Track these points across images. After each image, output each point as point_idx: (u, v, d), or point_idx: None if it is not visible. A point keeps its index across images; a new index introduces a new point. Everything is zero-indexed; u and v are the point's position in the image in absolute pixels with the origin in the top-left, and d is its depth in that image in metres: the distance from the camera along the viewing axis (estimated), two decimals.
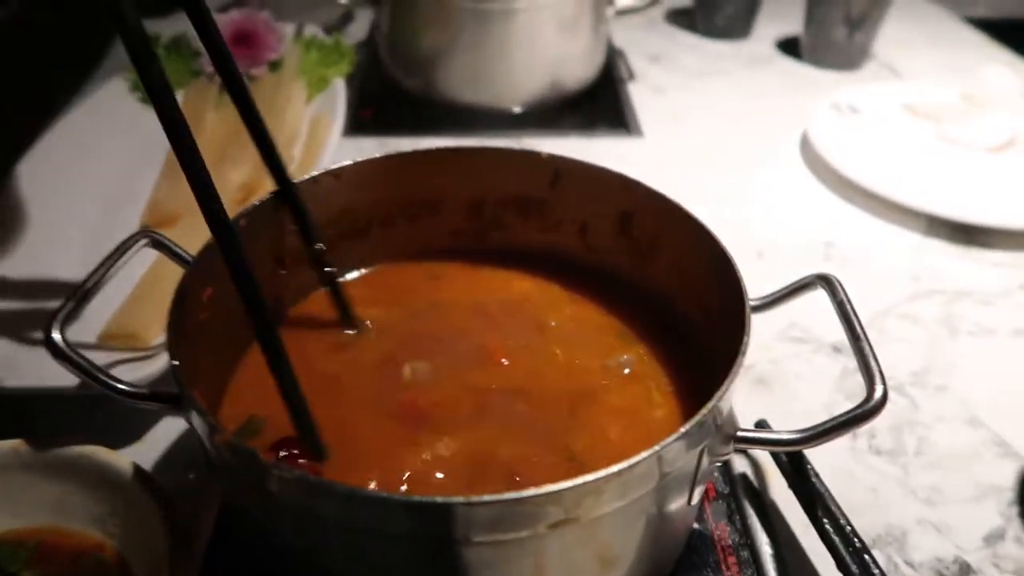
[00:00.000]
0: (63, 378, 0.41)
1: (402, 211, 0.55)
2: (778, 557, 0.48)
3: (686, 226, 0.48)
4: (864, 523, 0.50)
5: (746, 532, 0.49)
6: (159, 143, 0.77)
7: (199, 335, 0.42)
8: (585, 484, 0.31)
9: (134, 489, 0.41)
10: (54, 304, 0.57)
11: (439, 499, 0.30)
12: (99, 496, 0.42)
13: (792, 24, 1.18)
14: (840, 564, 0.44)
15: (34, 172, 0.72)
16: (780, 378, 0.61)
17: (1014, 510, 0.52)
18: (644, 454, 0.33)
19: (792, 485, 0.49)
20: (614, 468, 0.32)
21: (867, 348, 0.41)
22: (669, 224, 0.50)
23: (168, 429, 0.53)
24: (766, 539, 0.49)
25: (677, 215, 0.49)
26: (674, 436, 0.34)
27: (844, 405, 0.59)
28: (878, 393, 0.39)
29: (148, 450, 0.52)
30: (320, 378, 0.46)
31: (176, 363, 0.36)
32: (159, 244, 0.48)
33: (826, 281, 0.46)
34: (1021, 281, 0.72)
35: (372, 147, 0.89)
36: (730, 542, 0.49)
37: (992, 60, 1.11)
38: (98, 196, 0.73)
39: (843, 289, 0.45)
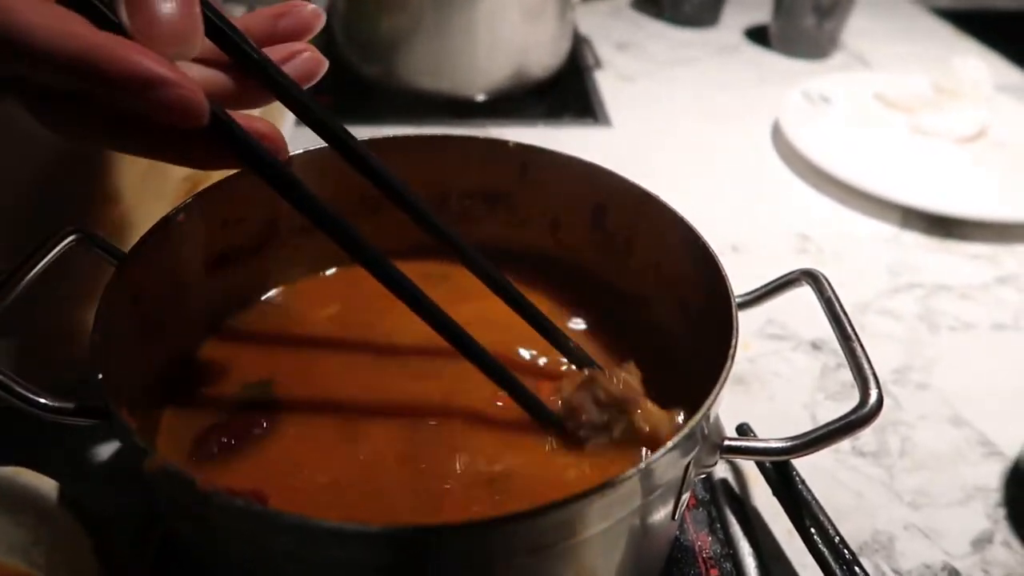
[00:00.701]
0: None
1: (360, 204, 0.51)
2: (762, 568, 0.45)
3: (664, 220, 0.45)
4: (850, 529, 0.48)
5: (728, 542, 0.47)
6: None
7: (130, 342, 0.38)
8: (566, 508, 0.28)
9: (61, 515, 0.36)
10: None
11: (406, 528, 0.27)
12: (22, 522, 0.37)
13: (760, 12, 1.16)
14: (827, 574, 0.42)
15: None
16: (758, 377, 0.59)
17: (1001, 512, 0.50)
18: (631, 471, 0.30)
19: (777, 492, 0.46)
20: (596, 489, 0.29)
21: (859, 349, 0.39)
22: (646, 218, 0.47)
23: (102, 447, 0.49)
24: (749, 549, 0.46)
25: (654, 208, 0.46)
26: (663, 450, 0.31)
27: (825, 405, 0.57)
28: (873, 398, 0.36)
29: (80, 466, 0.47)
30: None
31: (100, 376, 0.32)
32: (92, 242, 0.43)
33: (812, 277, 0.43)
34: (999, 274, 0.71)
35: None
36: (711, 553, 0.46)
37: (959, 50, 1.11)
38: (32, 188, 0.67)
39: (830, 286, 0.43)
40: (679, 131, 0.91)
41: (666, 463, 0.31)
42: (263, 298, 0.50)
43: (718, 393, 0.34)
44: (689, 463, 0.34)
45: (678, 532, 0.47)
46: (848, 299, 0.66)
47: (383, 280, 0.37)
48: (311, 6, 0.37)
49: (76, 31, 0.27)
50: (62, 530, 0.36)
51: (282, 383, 0.43)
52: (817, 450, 0.36)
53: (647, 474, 0.31)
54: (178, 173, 0.68)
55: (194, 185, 0.67)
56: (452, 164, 0.51)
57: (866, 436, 0.55)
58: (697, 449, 0.34)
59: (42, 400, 0.35)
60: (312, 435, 0.40)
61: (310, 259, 0.52)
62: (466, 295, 0.50)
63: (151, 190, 0.66)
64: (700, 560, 0.46)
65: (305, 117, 0.39)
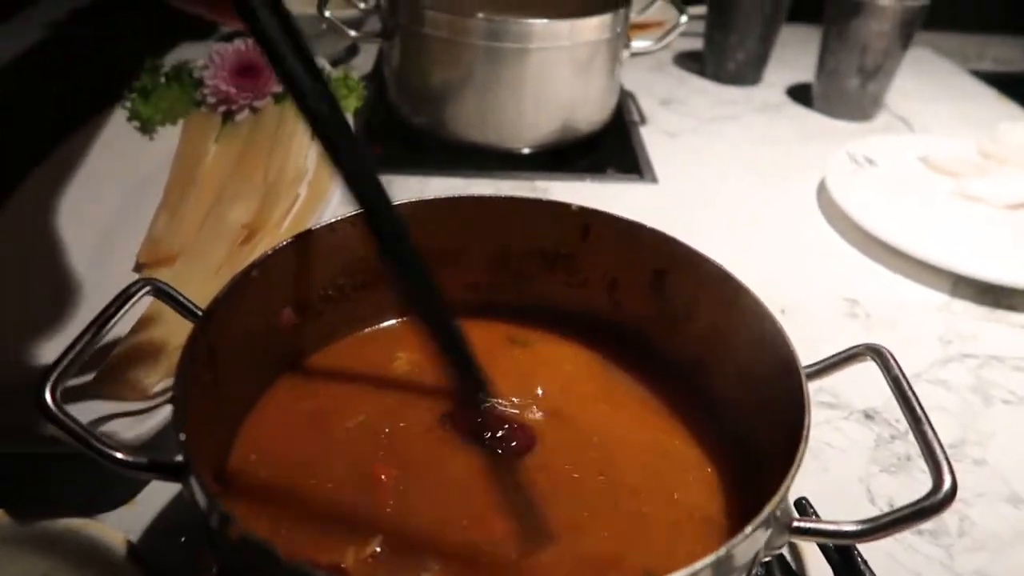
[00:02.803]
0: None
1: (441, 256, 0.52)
2: None
3: (726, 288, 0.45)
4: None
5: None
6: (157, 175, 0.76)
7: (203, 399, 0.38)
8: None
9: (126, 569, 0.37)
10: (43, 354, 0.53)
11: None
12: (88, 574, 0.38)
13: (803, 72, 1.17)
14: None
15: (26, 206, 0.68)
16: (811, 448, 0.57)
17: None
18: (705, 561, 0.29)
19: (839, 574, 0.45)
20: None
21: (930, 433, 0.38)
22: (707, 286, 0.47)
23: (164, 488, 0.49)
24: None
25: (716, 276, 0.46)
26: (739, 538, 0.30)
27: (880, 478, 0.56)
28: (947, 484, 0.36)
29: (142, 512, 0.47)
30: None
31: (183, 438, 0.32)
32: (162, 293, 0.44)
33: (877, 353, 0.43)
34: None
35: None
36: None
37: (1003, 114, 1.11)
38: (94, 231, 0.69)
39: (897, 363, 0.42)
40: (724, 187, 0.91)
41: (742, 549, 0.31)
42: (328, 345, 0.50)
43: (794, 476, 0.34)
44: (760, 548, 0.34)
45: None
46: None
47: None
48: None
49: None
50: None
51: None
52: (888, 535, 0.36)
53: (724, 560, 0.30)
54: (236, 220, 0.70)
55: (252, 232, 0.69)
56: (514, 224, 0.52)
57: None
58: (769, 533, 0.34)
59: (117, 454, 0.35)
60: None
61: (373, 314, 0.52)
62: (545, 361, 0.51)
63: (209, 236, 0.68)
64: None
65: None
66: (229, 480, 0.41)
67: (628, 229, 0.49)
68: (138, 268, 0.65)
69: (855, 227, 0.82)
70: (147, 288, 0.44)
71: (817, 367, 0.44)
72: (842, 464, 0.57)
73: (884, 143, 0.97)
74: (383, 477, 0.41)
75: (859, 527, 0.35)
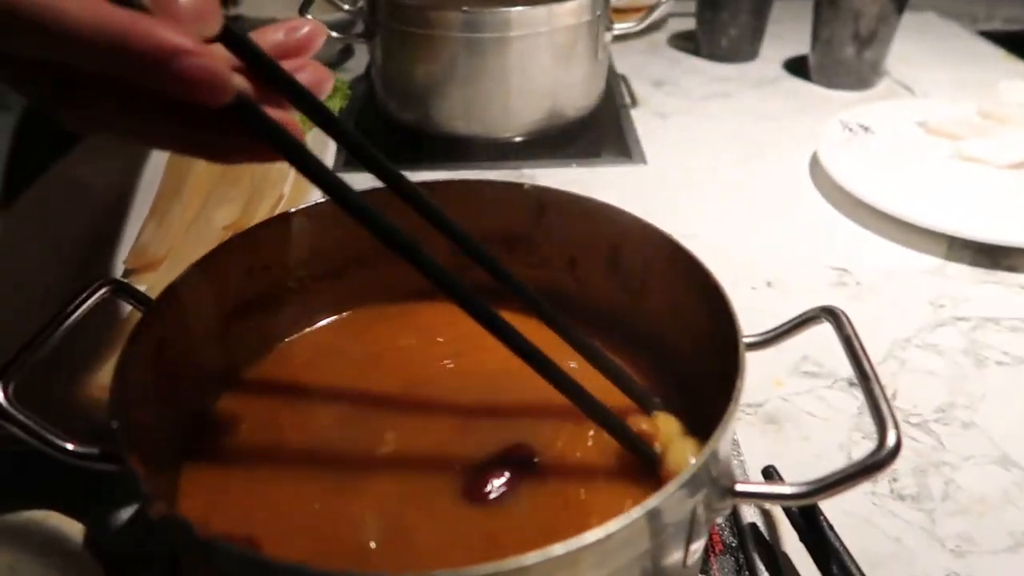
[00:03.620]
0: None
1: (378, 250, 0.52)
2: None
3: (676, 258, 0.45)
4: None
5: None
6: (149, 185, 0.78)
7: (154, 390, 0.39)
8: (555, 558, 0.28)
9: (85, 559, 0.38)
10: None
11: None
12: (50, 563, 0.39)
13: (799, 45, 1.15)
14: None
15: (27, 212, 0.71)
16: (792, 417, 0.57)
17: None
18: (624, 518, 0.29)
19: (803, 538, 0.45)
20: (589, 537, 0.28)
21: (877, 389, 0.38)
22: (658, 256, 0.46)
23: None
24: None
25: (666, 246, 0.45)
26: (660, 496, 0.30)
27: (863, 445, 0.55)
28: (890, 440, 0.35)
29: (106, 511, 0.48)
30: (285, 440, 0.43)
31: (115, 424, 0.33)
32: (123, 291, 0.46)
33: (831, 314, 0.42)
34: None
35: (366, 182, 0.85)
36: None
37: (1008, 74, 1.07)
38: (85, 239, 0.71)
39: (850, 323, 0.42)
40: (714, 166, 0.90)
41: (666, 508, 0.31)
42: (285, 341, 0.51)
43: (720, 434, 0.33)
44: (695, 507, 0.34)
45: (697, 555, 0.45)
46: (889, 333, 0.65)
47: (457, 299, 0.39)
48: (310, 22, 0.38)
49: (99, 9, 0.27)
50: (86, 573, 0.38)
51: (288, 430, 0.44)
52: (834, 495, 0.35)
53: (647, 519, 0.30)
54: (219, 222, 0.71)
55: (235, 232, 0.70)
56: (469, 208, 0.52)
57: (905, 478, 0.52)
58: (704, 492, 0.33)
59: (68, 446, 0.36)
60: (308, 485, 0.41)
61: (334, 304, 0.53)
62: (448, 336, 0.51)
63: (193, 239, 0.69)
64: None
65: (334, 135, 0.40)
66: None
67: (581, 205, 0.49)
68: (125, 274, 0.67)
69: (847, 196, 0.80)
70: (106, 288, 0.45)
71: (771, 334, 0.44)
72: (824, 432, 0.56)
73: (881, 110, 0.95)
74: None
75: (804, 488, 0.35)
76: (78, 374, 0.52)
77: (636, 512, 0.29)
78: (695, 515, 0.34)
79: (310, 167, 0.33)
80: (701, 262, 0.43)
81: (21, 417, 0.37)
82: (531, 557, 0.27)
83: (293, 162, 0.33)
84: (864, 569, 0.44)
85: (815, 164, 0.88)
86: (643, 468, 0.40)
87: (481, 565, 0.27)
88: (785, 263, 0.73)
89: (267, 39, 0.36)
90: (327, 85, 0.39)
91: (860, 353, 0.40)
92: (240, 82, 0.31)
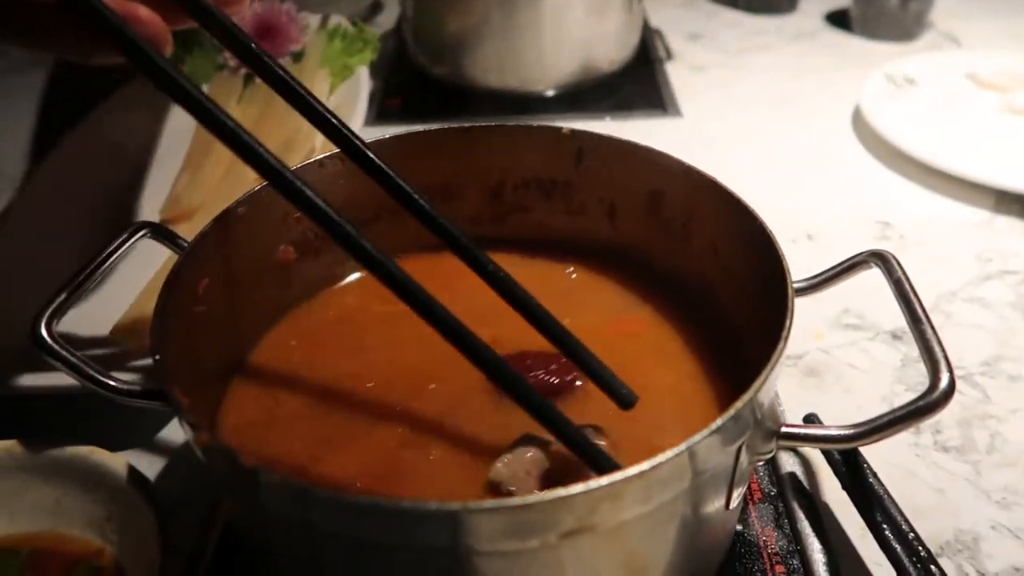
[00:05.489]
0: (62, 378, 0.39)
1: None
2: (831, 566, 0.43)
3: (721, 202, 0.44)
4: (930, 528, 0.45)
5: (796, 538, 0.44)
6: (183, 138, 0.78)
7: (194, 329, 0.40)
8: (600, 488, 0.27)
9: (130, 493, 0.38)
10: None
11: (434, 505, 0.27)
12: (96, 499, 0.40)
13: None
14: (902, 575, 0.39)
15: (57, 169, 0.71)
16: (833, 369, 0.56)
17: None
18: (669, 453, 0.29)
19: (846, 486, 0.44)
20: (633, 469, 0.28)
21: (929, 331, 0.36)
22: (703, 201, 0.45)
23: (175, 432, 0.51)
24: (818, 546, 0.44)
25: (711, 190, 0.44)
26: (705, 431, 0.30)
27: (906, 397, 0.53)
28: (943, 382, 0.34)
29: (154, 455, 0.49)
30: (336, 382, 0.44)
31: (158, 357, 0.33)
32: (160, 234, 0.46)
33: (880, 258, 0.41)
34: None
35: (397, 133, 0.86)
36: (777, 549, 0.44)
37: None
38: (119, 192, 0.71)
39: (900, 266, 0.40)
40: (753, 120, 0.88)
41: (709, 446, 0.30)
42: (330, 288, 0.51)
43: (768, 375, 0.33)
44: (740, 448, 0.33)
45: (742, 526, 0.45)
46: (934, 287, 0.63)
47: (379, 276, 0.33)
48: None
49: None
50: (131, 508, 0.38)
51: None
52: (883, 438, 0.34)
53: (690, 456, 0.30)
54: (252, 175, 0.71)
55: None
56: (506, 153, 0.51)
57: (950, 430, 0.51)
58: (748, 434, 0.33)
59: (111, 382, 0.37)
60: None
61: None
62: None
63: (226, 191, 0.69)
64: (765, 556, 0.44)
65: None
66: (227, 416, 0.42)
67: (622, 149, 0.48)
68: (162, 223, 0.67)
69: (891, 149, 0.78)
70: (145, 231, 0.45)
71: (819, 278, 0.43)
72: (866, 385, 0.55)
73: (927, 62, 0.92)
74: None
75: (851, 430, 0.34)
76: (112, 314, 0.53)
77: (678, 448, 0.29)
78: (739, 456, 0.33)
79: (157, 71, 0.29)
80: (747, 204, 0.42)
81: (65, 353, 0.37)
82: (575, 488, 0.27)
83: (137, 65, 0.29)
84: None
85: (857, 117, 0.86)
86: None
87: (526, 496, 0.27)
88: (826, 216, 0.72)
89: None
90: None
91: (911, 296, 0.38)
92: None
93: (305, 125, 0.77)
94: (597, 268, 0.52)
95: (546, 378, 0.42)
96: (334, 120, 0.39)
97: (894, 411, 0.34)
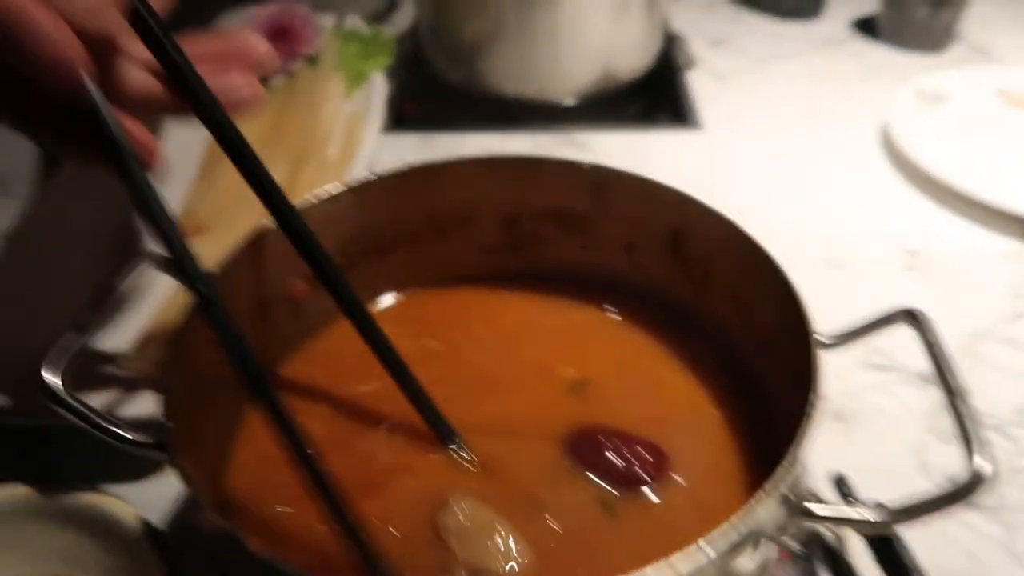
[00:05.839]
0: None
1: (430, 227, 0.50)
2: None
3: (745, 250, 0.42)
4: None
5: None
6: (195, 150, 0.76)
7: (205, 376, 0.38)
8: None
9: (141, 546, 0.37)
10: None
11: None
12: (108, 547, 0.39)
13: (868, 2, 1.08)
14: None
15: (69, 178, 0.70)
16: (860, 414, 0.54)
17: None
18: (684, 556, 0.27)
19: (877, 555, 0.42)
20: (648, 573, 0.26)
21: (964, 409, 0.35)
22: (725, 246, 0.43)
23: None
24: None
25: (733, 236, 0.42)
26: (715, 535, 0.28)
27: (937, 449, 0.51)
28: (984, 468, 0.32)
29: (165, 491, 0.48)
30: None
31: (171, 425, 0.32)
32: (160, 264, 0.44)
33: (914, 319, 0.39)
34: None
35: (413, 143, 0.84)
36: None
37: None
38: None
39: (932, 328, 0.38)
40: (775, 133, 0.85)
41: (720, 550, 0.28)
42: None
43: (793, 459, 0.31)
44: (757, 540, 0.31)
45: None
46: (962, 326, 0.61)
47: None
48: (266, 46, 0.36)
49: None
50: (143, 562, 0.37)
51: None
52: (918, 522, 0.33)
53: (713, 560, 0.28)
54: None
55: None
56: (524, 185, 0.49)
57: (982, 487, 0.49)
58: (768, 523, 0.31)
59: (123, 433, 0.35)
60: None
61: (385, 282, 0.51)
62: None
63: (241, 199, 0.68)
64: None
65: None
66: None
67: (642, 187, 0.46)
68: None
69: (919, 172, 0.75)
70: (145, 263, 0.43)
71: (846, 336, 0.41)
72: (894, 433, 0.53)
73: (956, 77, 0.89)
74: None
75: (882, 515, 0.32)
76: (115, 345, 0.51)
77: (701, 548, 0.27)
78: (757, 546, 0.32)
79: (140, 194, 0.32)
80: (772, 257, 0.40)
81: (78, 406, 0.36)
82: None
83: (127, 186, 0.32)
84: None
85: (885, 133, 0.83)
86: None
87: None
88: (851, 241, 0.69)
89: (201, 45, 0.36)
90: (247, 96, 0.37)
91: (945, 363, 0.37)
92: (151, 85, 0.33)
93: (319, 133, 0.76)
94: (614, 302, 0.50)
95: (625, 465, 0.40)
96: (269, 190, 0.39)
97: (932, 495, 0.32)
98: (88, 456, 0.46)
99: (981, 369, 0.57)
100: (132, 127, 0.32)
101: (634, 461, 0.39)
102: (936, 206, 0.73)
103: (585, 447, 0.40)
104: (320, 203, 0.45)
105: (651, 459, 0.39)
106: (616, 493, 0.38)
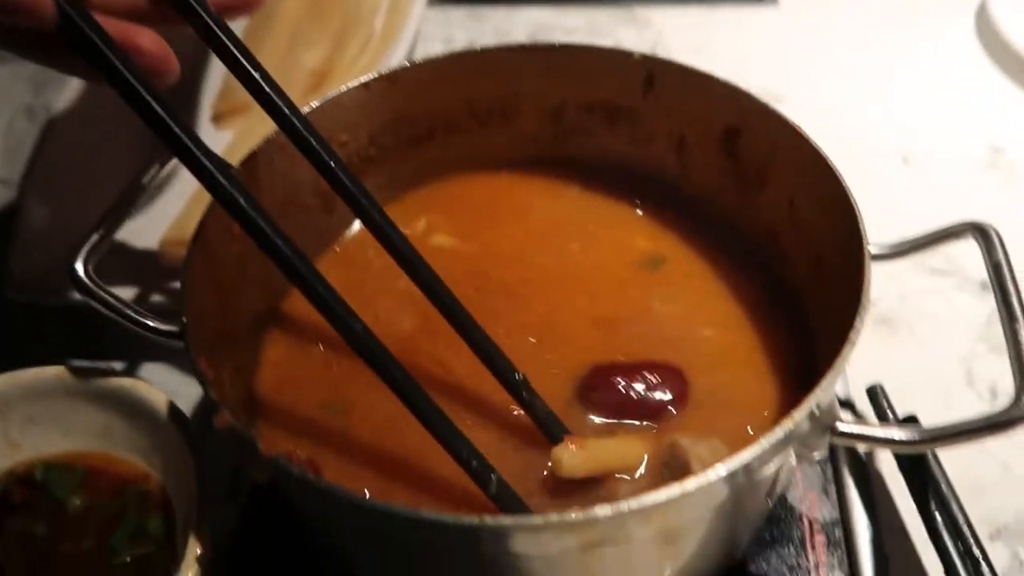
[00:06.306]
0: None
1: (470, 116, 0.48)
2: (876, 543, 0.41)
3: (802, 153, 0.39)
4: (988, 508, 0.43)
5: (842, 507, 0.43)
6: (237, 23, 0.74)
7: (229, 274, 0.38)
8: (622, 513, 0.26)
9: (170, 429, 0.39)
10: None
11: (448, 519, 0.26)
12: (141, 428, 0.41)
13: None
14: (948, 569, 0.38)
15: None
16: (910, 319, 0.52)
17: None
18: (701, 480, 0.27)
19: (901, 465, 0.42)
20: (654, 497, 0.26)
21: (1023, 334, 0.33)
22: (782, 148, 0.41)
23: None
24: (865, 519, 0.42)
25: (792, 138, 0.40)
26: (748, 455, 0.27)
27: (987, 360, 0.50)
28: None
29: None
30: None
31: (185, 320, 0.33)
32: None
33: (981, 233, 0.37)
34: None
35: (461, 18, 0.80)
36: (819, 517, 0.43)
37: None
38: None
39: (1002, 245, 0.36)
40: (857, 10, 0.78)
41: (751, 466, 0.28)
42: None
43: (833, 378, 0.30)
44: (786, 454, 0.31)
45: (784, 488, 0.43)
46: None
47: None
48: None
49: None
50: (172, 444, 0.39)
51: None
52: (949, 447, 0.32)
53: (728, 479, 0.28)
54: (308, 64, 0.68)
55: (322, 79, 0.66)
56: (570, 75, 0.46)
57: None
58: (798, 439, 0.31)
59: (150, 323, 0.37)
60: None
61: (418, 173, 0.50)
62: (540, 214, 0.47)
63: (282, 77, 0.66)
64: (805, 522, 0.42)
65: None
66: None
67: (696, 80, 0.43)
68: (215, 119, 0.66)
69: (1017, 57, 0.68)
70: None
71: (903, 247, 0.39)
72: (943, 340, 0.51)
73: None
74: None
75: (910, 436, 0.31)
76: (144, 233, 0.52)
77: (718, 472, 0.27)
78: (785, 462, 0.31)
79: (142, 106, 0.29)
80: (831, 163, 0.38)
81: (103, 294, 0.37)
82: (602, 510, 0.26)
83: (122, 94, 0.29)
84: (964, 498, 0.40)
85: (982, 17, 0.75)
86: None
87: (542, 517, 0.26)
88: (929, 135, 0.64)
89: None
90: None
91: (1010, 285, 0.34)
92: None
93: (364, 7, 0.73)
94: (657, 204, 0.48)
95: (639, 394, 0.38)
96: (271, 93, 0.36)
97: (967, 422, 0.31)
98: (129, 341, 0.47)
99: None
100: (145, 40, 0.32)
101: (648, 392, 0.38)
102: None
103: (599, 389, 0.39)
104: (352, 91, 0.43)
105: (666, 386, 0.38)
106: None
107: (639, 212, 0.47)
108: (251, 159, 0.40)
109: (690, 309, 0.42)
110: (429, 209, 0.48)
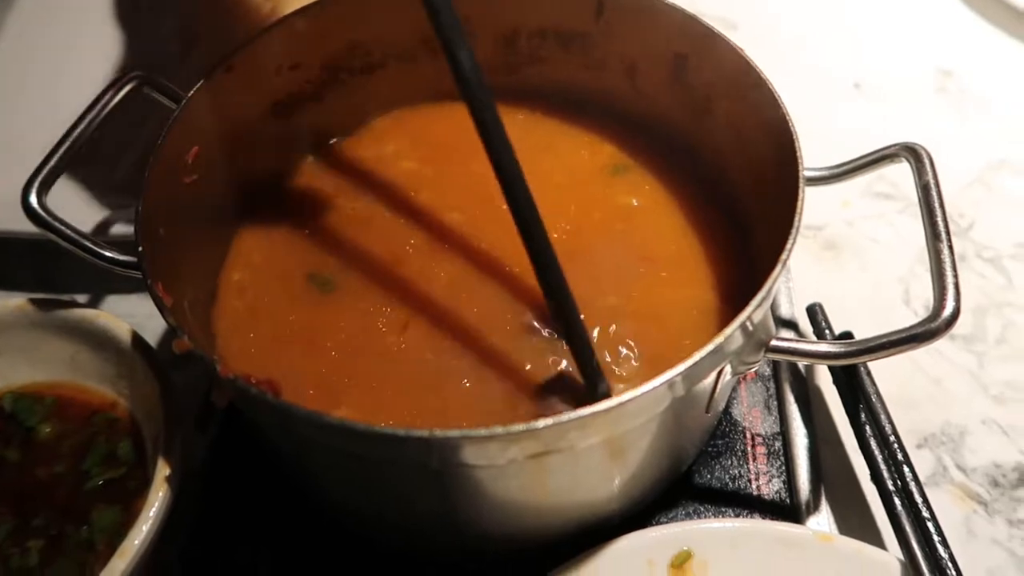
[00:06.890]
0: None
1: (423, 43, 0.48)
2: (813, 453, 0.44)
3: (746, 78, 0.40)
4: (917, 419, 0.46)
5: (783, 421, 0.45)
6: None
7: (182, 202, 0.39)
8: (562, 423, 0.28)
9: (135, 357, 0.40)
10: None
11: (400, 432, 0.27)
12: (107, 357, 0.42)
13: None
14: (874, 475, 0.40)
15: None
16: (854, 243, 0.54)
17: None
18: (637, 391, 0.28)
19: (837, 381, 0.44)
20: (600, 407, 0.28)
21: (946, 251, 0.35)
22: (727, 74, 0.41)
23: None
24: (804, 432, 0.45)
25: (736, 64, 0.40)
26: (685, 365, 0.29)
27: (924, 279, 0.52)
28: (947, 311, 0.33)
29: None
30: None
31: (141, 250, 0.33)
32: (153, 86, 0.44)
33: (913, 154, 0.38)
34: None
35: None
36: (762, 430, 0.45)
37: None
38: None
39: (932, 167, 0.37)
40: None
41: (689, 375, 0.30)
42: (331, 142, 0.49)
43: (766, 295, 0.32)
44: (723, 368, 0.33)
45: (729, 404, 0.46)
46: (984, 153, 0.58)
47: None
48: None
49: None
50: (138, 371, 0.40)
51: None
52: (874, 359, 0.34)
53: (668, 386, 0.29)
54: None
55: (274, 6, 0.65)
56: (523, 1, 0.46)
57: (962, 316, 0.49)
58: (734, 353, 0.32)
59: (107, 253, 0.37)
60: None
61: (375, 103, 0.50)
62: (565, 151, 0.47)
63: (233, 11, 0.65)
64: (748, 436, 0.45)
65: None
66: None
67: (647, 5, 0.43)
68: None
69: None
70: (134, 81, 0.43)
71: (840, 169, 0.40)
72: (884, 262, 0.53)
73: None
74: None
75: (838, 348, 0.33)
76: (104, 168, 0.52)
77: (654, 383, 0.29)
78: (721, 374, 0.33)
79: None
80: (771, 86, 0.38)
81: (58, 224, 0.37)
82: (543, 422, 0.28)
83: None
84: (896, 411, 0.43)
85: None
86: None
87: (487, 429, 0.28)
88: (881, 61, 0.65)
89: None
90: None
91: (936, 206, 0.36)
92: None
93: None
94: (611, 125, 0.48)
95: None
96: None
97: (889, 335, 0.33)
98: (94, 276, 0.48)
99: (989, 200, 0.55)
100: None
101: None
102: (984, 22, 0.68)
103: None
104: (302, 16, 0.43)
105: None
106: None
107: (596, 134, 0.48)
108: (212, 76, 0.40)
109: (643, 228, 0.44)
110: (397, 136, 0.49)
